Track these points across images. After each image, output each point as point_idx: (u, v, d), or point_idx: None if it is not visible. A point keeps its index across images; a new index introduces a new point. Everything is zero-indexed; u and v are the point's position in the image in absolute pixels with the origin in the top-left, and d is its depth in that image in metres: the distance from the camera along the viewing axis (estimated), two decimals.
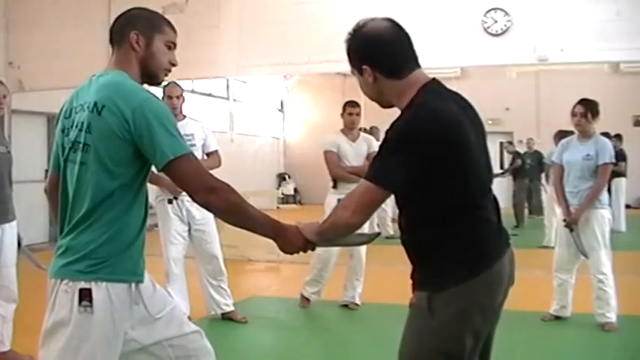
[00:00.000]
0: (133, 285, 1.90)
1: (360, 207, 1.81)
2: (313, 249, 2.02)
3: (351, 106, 5.26)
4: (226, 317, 4.79)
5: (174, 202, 4.58)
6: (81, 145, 1.83)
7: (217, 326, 4.71)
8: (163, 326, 1.99)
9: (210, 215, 4.60)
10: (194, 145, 4.60)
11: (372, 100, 1.98)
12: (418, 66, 1.91)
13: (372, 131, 9.80)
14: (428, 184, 1.77)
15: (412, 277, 1.92)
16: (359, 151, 5.19)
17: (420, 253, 1.89)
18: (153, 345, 1.97)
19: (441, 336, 1.82)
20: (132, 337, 1.92)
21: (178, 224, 4.63)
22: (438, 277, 1.82)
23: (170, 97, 4.63)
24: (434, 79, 1.91)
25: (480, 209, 1.87)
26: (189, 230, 4.67)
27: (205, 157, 4.74)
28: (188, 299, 4.72)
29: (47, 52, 7.51)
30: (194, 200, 1.88)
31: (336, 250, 5.10)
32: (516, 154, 11.39)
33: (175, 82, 4.71)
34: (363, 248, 5.19)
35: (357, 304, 5.20)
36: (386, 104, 1.96)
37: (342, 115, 5.28)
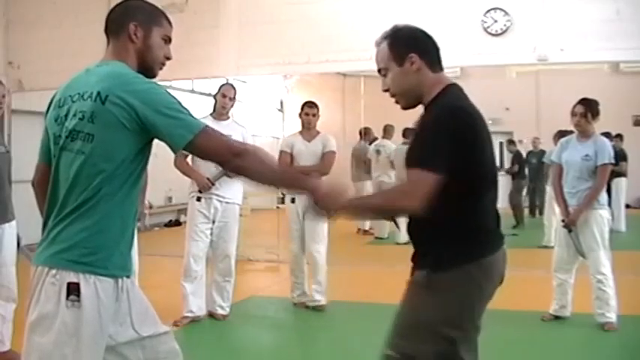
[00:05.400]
0: (120, 280, 1.88)
1: (422, 194, 1.84)
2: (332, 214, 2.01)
3: (308, 106, 5.36)
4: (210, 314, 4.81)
5: (202, 199, 4.61)
6: (82, 135, 1.81)
7: (217, 326, 4.71)
8: (139, 325, 1.96)
9: (235, 215, 4.70)
10: None
11: (398, 94, 2.07)
12: (443, 69, 2.09)
13: (386, 130, 9.76)
14: (451, 168, 1.88)
15: (413, 259, 2.03)
16: (313, 150, 5.25)
17: (426, 234, 1.99)
18: (125, 344, 1.93)
19: (436, 313, 1.91)
20: (109, 332, 1.88)
21: (203, 221, 4.65)
22: (440, 257, 1.93)
23: (224, 96, 4.79)
24: (455, 83, 2.07)
25: (487, 200, 2.01)
26: (213, 228, 4.71)
27: None
28: (204, 299, 4.74)
29: (47, 51, 7.51)
30: (226, 168, 1.92)
31: (300, 249, 5.13)
32: (517, 155, 11.38)
33: (231, 84, 4.93)
34: (322, 250, 5.14)
35: (321, 305, 5.14)
36: (412, 100, 2.06)
37: (300, 115, 5.37)
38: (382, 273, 6.32)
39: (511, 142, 11.92)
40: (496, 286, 2.01)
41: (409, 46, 2.02)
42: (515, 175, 11.11)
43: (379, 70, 2.09)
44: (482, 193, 1.98)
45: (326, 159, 5.22)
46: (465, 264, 1.91)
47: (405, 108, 2.10)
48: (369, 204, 2.08)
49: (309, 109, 5.33)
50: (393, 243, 8.25)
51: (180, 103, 1.84)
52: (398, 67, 2.02)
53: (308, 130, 5.32)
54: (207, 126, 1.85)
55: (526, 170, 11.26)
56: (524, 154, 11.53)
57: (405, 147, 8.74)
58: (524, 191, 11.44)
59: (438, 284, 1.90)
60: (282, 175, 2.01)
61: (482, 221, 1.99)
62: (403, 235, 8.18)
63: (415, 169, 1.89)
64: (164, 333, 2.04)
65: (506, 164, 11.66)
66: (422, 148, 1.93)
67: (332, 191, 1.91)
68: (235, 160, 1.85)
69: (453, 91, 2.02)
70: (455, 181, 1.88)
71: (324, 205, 1.92)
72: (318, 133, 5.35)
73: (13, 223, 3.83)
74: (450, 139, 1.88)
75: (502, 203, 11.37)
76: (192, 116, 1.84)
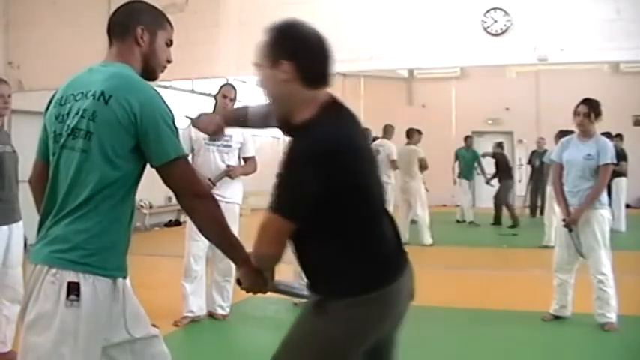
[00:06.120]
0: (117, 281, 1.88)
1: (272, 240, 1.79)
2: (265, 291, 2.01)
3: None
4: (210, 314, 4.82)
5: None
6: (82, 133, 1.80)
7: (217, 326, 4.71)
8: (132, 326, 1.95)
9: (235, 215, 4.66)
10: (229, 146, 4.71)
11: (271, 99, 1.86)
12: (328, 85, 1.87)
13: (386, 130, 9.70)
14: (327, 204, 1.74)
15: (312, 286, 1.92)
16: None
17: (312, 268, 1.89)
18: (116, 346, 1.92)
19: (317, 340, 1.89)
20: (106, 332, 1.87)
21: None
22: (331, 286, 1.82)
23: (224, 97, 4.72)
24: (334, 99, 1.87)
25: (375, 227, 1.85)
26: None
27: (242, 162, 4.84)
28: (204, 298, 4.74)
29: (47, 51, 7.51)
30: (180, 202, 1.90)
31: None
32: (501, 157, 11.42)
33: (231, 85, 4.82)
34: None
35: None
36: (283, 111, 1.86)
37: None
38: None
39: (499, 144, 11.93)
40: (400, 312, 1.89)
41: (287, 52, 1.78)
42: (501, 177, 11.20)
43: (255, 63, 1.87)
44: (367, 223, 1.82)
45: None
46: (352, 296, 1.79)
47: (278, 119, 1.88)
48: (254, 261, 1.89)
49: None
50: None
51: (175, 123, 1.86)
52: (269, 68, 1.81)
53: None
54: (187, 155, 1.90)
55: (513, 171, 11.44)
56: (526, 155, 11.64)
57: (409, 148, 8.84)
58: (524, 192, 11.53)
59: (329, 310, 1.81)
60: (224, 237, 1.96)
61: (369, 253, 1.82)
62: (403, 235, 8.17)
63: (269, 212, 1.76)
64: (154, 336, 2.03)
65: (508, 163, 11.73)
66: (279, 192, 1.76)
67: (254, 283, 1.94)
68: (193, 200, 1.87)
69: (326, 116, 1.78)
70: (332, 215, 1.76)
71: (246, 288, 1.97)
72: None
73: (20, 223, 3.82)
74: (315, 184, 1.69)
75: (487, 203, 11.53)
76: (180, 140, 1.87)
